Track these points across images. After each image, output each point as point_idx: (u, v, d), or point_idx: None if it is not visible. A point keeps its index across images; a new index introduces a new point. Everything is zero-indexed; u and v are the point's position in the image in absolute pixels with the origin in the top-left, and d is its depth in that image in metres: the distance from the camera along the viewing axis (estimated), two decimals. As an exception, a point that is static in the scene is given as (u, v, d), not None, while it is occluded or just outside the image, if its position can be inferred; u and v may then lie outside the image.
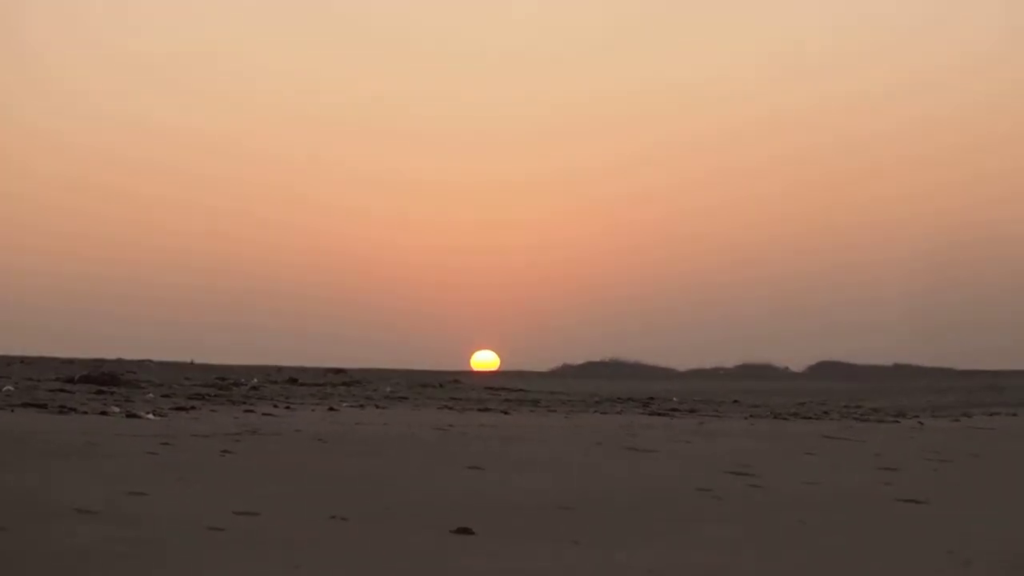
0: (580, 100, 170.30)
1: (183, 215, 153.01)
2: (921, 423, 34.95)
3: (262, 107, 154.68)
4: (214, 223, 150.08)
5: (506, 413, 32.63)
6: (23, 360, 57.23)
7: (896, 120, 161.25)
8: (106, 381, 36.22)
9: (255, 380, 45.37)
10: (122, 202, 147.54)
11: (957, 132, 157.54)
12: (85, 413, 24.65)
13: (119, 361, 61.76)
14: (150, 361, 62.92)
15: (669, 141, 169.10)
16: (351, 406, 32.19)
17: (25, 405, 25.67)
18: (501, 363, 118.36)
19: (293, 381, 46.33)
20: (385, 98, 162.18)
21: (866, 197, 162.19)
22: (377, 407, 32.64)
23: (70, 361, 59.14)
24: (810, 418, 35.52)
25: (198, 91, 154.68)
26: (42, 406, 25.70)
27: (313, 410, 29.56)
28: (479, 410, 33.45)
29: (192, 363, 65.37)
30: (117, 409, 25.83)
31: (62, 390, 31.99)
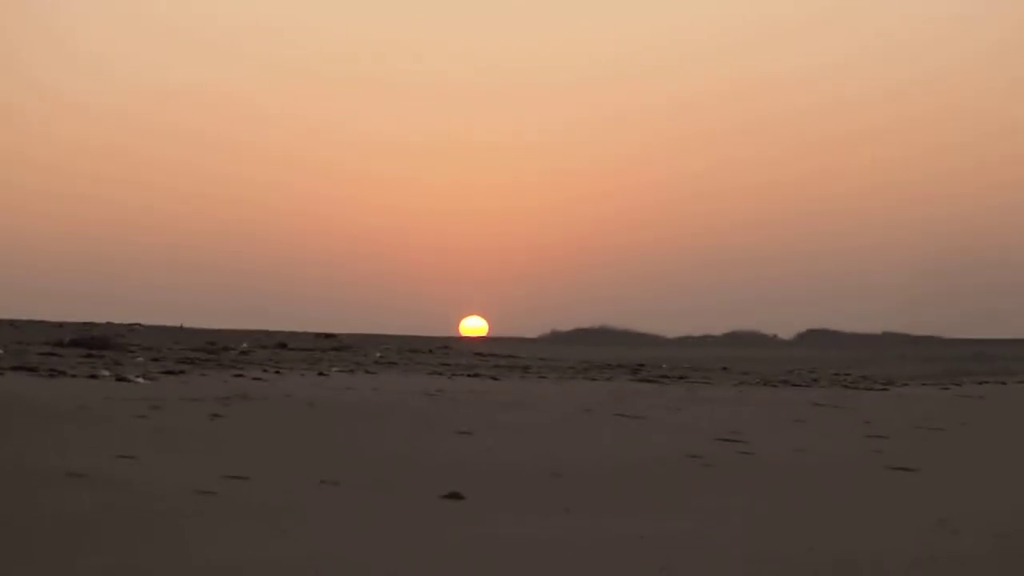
0: (567, 59, 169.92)
1: (174, 177, 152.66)
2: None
3: (255, 65, 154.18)
4: (205, 186, 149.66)
5: (495, 379, 32.62)
6: (13, 323, 57.17)
7: (887, 83, 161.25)
8: (96, 345, 36.20)
9: (245, 345, 45.36)
10: (113, 163, 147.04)
11: (947, 94, 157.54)
12: (75, 377, 24.63)
13: (109, 325, 61.71)
14: (140, 325, 62.87)
15: (658, 103, 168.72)
16: (341, 371, 32.18)
17: (15, 368, 25.63)
18: (489, 329, 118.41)
19: (283, 346, 46.31)
20: (371, 55, 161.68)
21: (855, 163, 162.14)
22: (367, 372, 32.64)
23: (60, 325, 59.10)
24: (799, 386, 35.54)
25: (194, 48, 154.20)
26: (32, 369, 25.67)
27: (303, 375, 29.55)
28: (469, 376, 33.46)
29: (182, 327, 65.31)
30: (107, 373, 25.81)
31: (52, 354, 31.97)
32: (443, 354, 47.90)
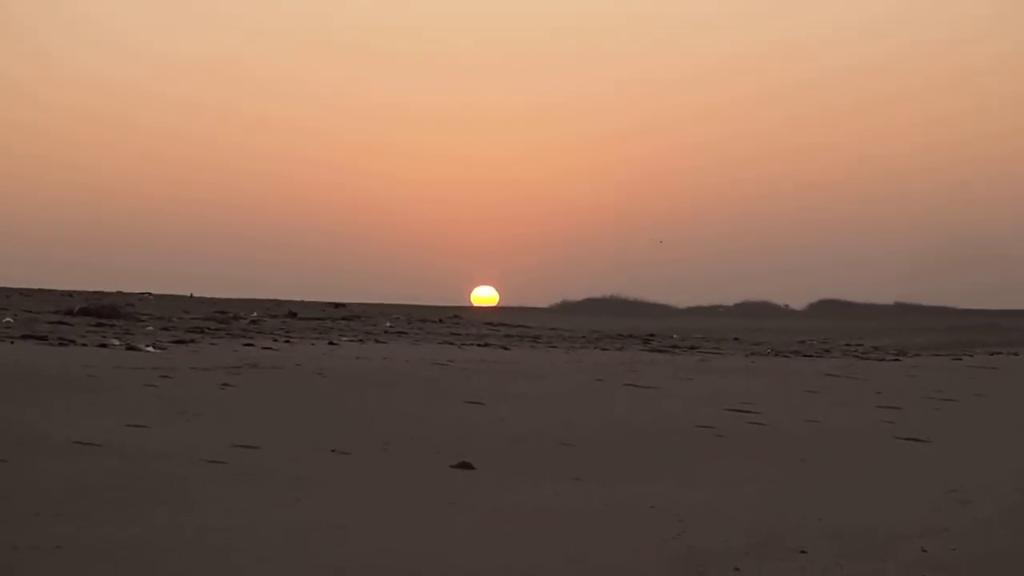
0: (578, 28, 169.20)
1: (184, 146, 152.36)
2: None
3: (260, 33, 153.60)
4: (214, 154, 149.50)
5: (506, 349, 32.59)
6: (23, 292, 57.18)
7: (901, 50, 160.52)
8: (106, 314, 36.21)
9: (255, 314, 45.37)
10: (123, 132, 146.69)
11: (963, 61, 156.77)
12: (85, 346, 24.63)
13: (119, 294, 61.70)
14: (149, 294, 62.83)
15: (669, 72, 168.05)
16: (351, 340, 32.17)
17: (25, 337, 25.65)
18: (500, 299, 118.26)
19: (293, 315, 46.30)
20: (381, 25, 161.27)
21: (866, 132, 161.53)
22: (377, 342, 32.62)
23: (70, 293, 59.10)
24: (811, 356, 35.51)
25: (201, 17, 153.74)
26: (42, 338, 25.68)
27: (313, 344, 29.54)
28: (479, 345, 33.42)
29: (192, 296, 65.25)
30: (117, 342, 25.81)
31: (62, 322, 31.99)
32: (453, 324, 47.88)
